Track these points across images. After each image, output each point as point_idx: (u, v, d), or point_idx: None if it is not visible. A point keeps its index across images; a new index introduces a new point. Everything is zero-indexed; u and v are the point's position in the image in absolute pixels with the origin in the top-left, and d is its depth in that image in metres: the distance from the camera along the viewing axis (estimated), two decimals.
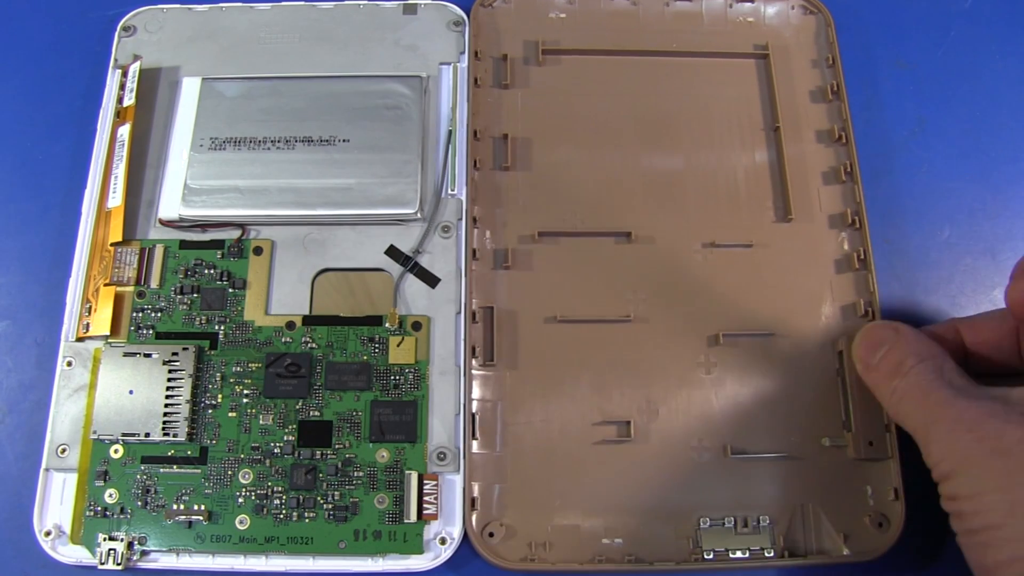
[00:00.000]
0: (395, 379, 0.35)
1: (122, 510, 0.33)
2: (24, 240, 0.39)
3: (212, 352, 0.35)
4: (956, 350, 0.32)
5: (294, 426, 0.34)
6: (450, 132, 0.39)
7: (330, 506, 0.33)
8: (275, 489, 0.34)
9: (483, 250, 0.37)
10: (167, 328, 0.36)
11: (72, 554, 0.33)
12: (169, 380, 0.34)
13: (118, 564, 0.32)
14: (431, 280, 0.37)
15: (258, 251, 0.37)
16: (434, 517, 0.33)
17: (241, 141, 0.38)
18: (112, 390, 0.34)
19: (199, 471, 0.34)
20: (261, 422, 0.34)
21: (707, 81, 0.41)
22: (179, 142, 0.38)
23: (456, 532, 0.33)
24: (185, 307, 0.36)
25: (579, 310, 0.36)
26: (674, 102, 0.40)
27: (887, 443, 0.34)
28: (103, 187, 0.38)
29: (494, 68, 0.41)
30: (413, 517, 0.33)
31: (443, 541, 0.33)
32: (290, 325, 0.36)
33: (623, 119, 0.40)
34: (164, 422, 0.34)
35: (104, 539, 0.33)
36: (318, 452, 0.34)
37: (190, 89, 0.39)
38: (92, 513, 0.33)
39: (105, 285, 0.36)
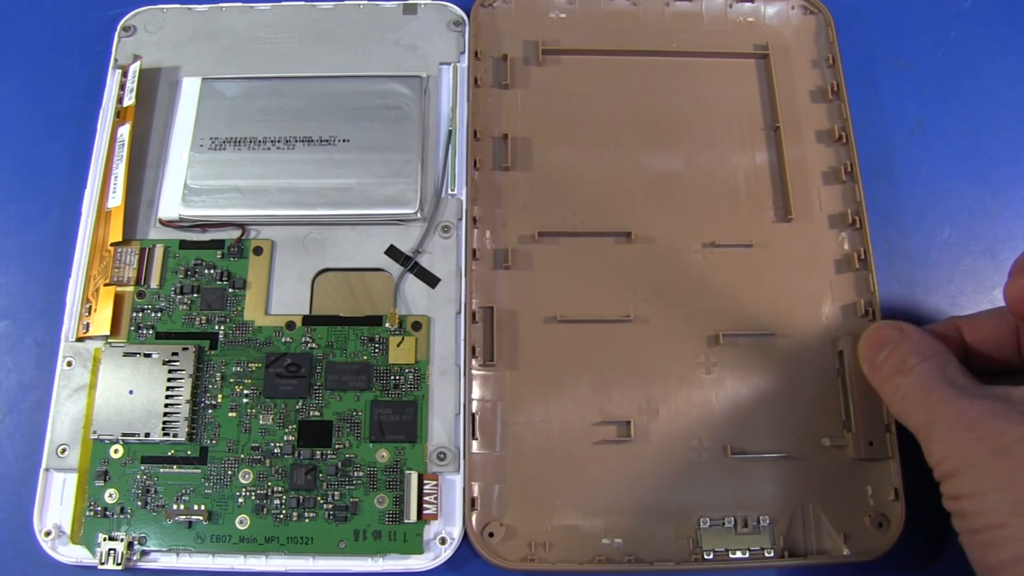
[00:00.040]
0: (395, 379, 0.35)
1: (122, 510, 0.33)
2: (24, 240, 0.39)
3: (212, 352, 0.35)
4: (956, 348, 0.32)
5: (294, 426, 0.34)
6: (450, 132, 0.39)
7: (330, 506, 0.33)
8: (275, 489, 0.34)
9: (483, 250, 0.37)
10: (167, 328, 0.36)
11: (72, 554, 0.33)
12: (169, 380, 0.34)
13: (118, 564, 0.32)
14: (431, 280, 0.37)
15: (258, 251, 0.37)
16: (434, 517, 0.33)
17: (241, 141, 0.38)
18: (112, 390, 0.34)
19: (199, 471, 0.34)
20: (261, 422, 0.34)
21: (707, 81, 0.41)
22: (179, 142, 0.38)
23: (456, 532, 0.33)
24: (185, 307, 0.36)
25: (579, 310, 0.36)
26: (674, 102, 0.40)
27: (887, 443, 0.34)
28: (103, 187, 0.38)
29: (494, 68, 0.41)
30: (413, 517, 0.33)
31: (443, 541, 0.33)
32: (290, 325, 0.36)
33: (623, 119, 0.40)
34: (164, 422, 0.34)
35: (104, 539, 0.33)
36: (318, 452, 0.34)
37: (190, 89, 0.39)
38: (92, 513, 0.33)
39: (105, 285, 0.36)
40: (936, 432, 0.29)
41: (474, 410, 0.35)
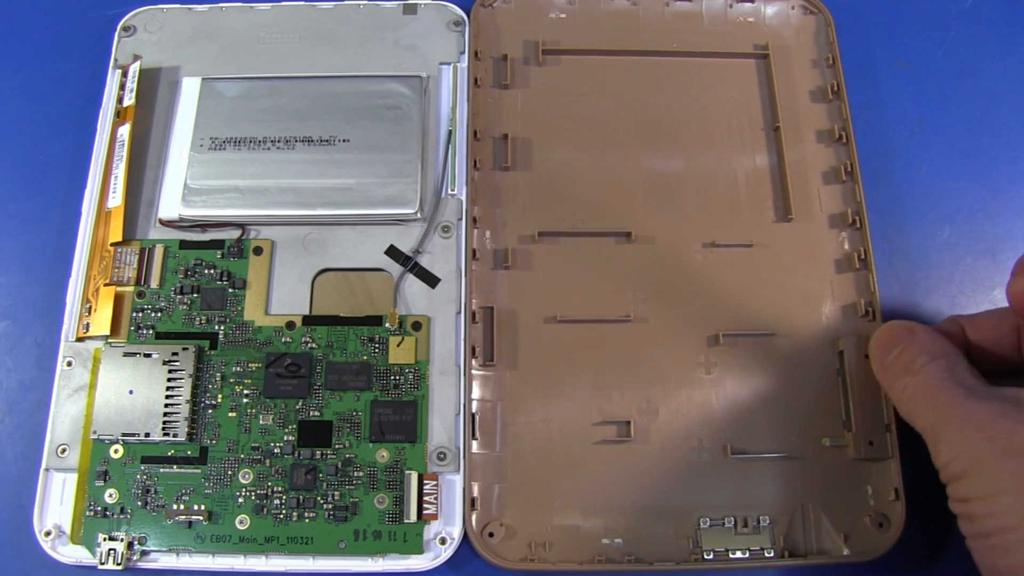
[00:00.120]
0: (395, 379, 0.35)
1: (122, 510, 0.33)
2: (24, 240, 0.39)
3: (212, 352, 0.35)
4: (959, 347, 0.32)
5: (294, 426, 0.34)
6: (450, 132, 0.39)
7: (330, 506, 0.33)
8: (275, 489, 0.34)
9: (483, 250, 0.37)
10: (167, 328, 0.36)
11: (72, 554, 0.33)
12: (169, 380, 0.34)
13: (118, 564, 0.32)
14: (431, 280, 0.37)
15: (258, 251, 0.37)
16: (434, 517, 0.33)
17: (241, 141, 0.38)
18: (112, 390, 0.34)
19: (199, 471, 0.34)
20: (261, 422, 0.34)
21: (707, 81, 0.41)
22: (179, 142, 0.38)
23: (456, 532, 0.33)
24: (185, 307, 0.36)
25: (579, 310, 0.36)
26: (674, 102, 0.40)
27: (887, 443, 0.34)
28: (103, 187, 0.38)
29: (494, 68, 0.41)
30: (413, 517, 0.33)
31: (443, 541, 0.33)
32: (290, 325, 0.36)
33: (623, 119, 0.40)
34: (164, 422, 0.34)
35: (104, 539, 0.33)
36: (318, 452, 0.34)
37: (190, 89, 0.39)
38: (92, 513, 0.33)
39: (105, 285, 0.36)
40: (944, 432, 0.28)
41: (474, 410, 0.35)
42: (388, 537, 0.33)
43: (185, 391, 0.34)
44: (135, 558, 0.33)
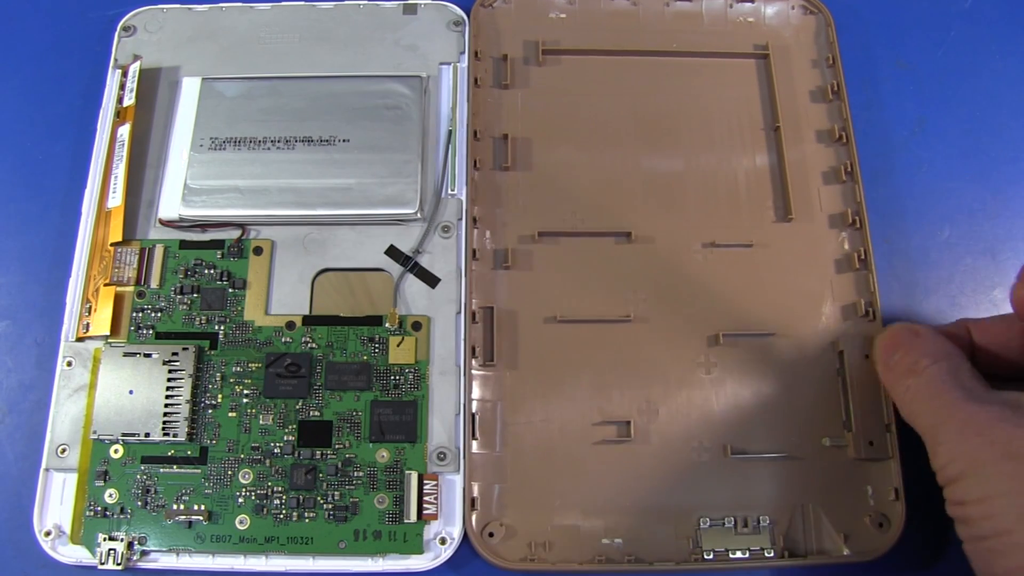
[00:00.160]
0: (395, 379, 0.35)
1: (122, 510, 0.33)
2: (24, 240, 0.39)
3: (212, 352, 0.35)
4: (964, 349, 0.32)
5: (294, 426, 0.34)
6: (450, 132, 0.39)
7: (330, 506, 0.33)
8: (275, 489, 0.34)
9: (483, 250, 0.37)
10: (167, 328, 0.36)
11: (72, 554, 0.33)
12: (169, 380, 0.34)
13: (118, 564, 0.32)
14: (431, 280, 0.37)
15: (258, 251, 0.37)
16: (434, 517, 0.33)
17: (241, 141, 0.38)
18: (112, 390, 0.34)
19: (199, 471, 0.34)
20: (261, 422, 0.34)
21: (707, 81, 0.41)
22: (179, 142, 0.38)
23: (456, 532, 0.33)
24: (185, 307, 0.36)
25: (579, 310, 0.36)
26: (674, 102, 0.40)
27: (887, 443, 0.34)
28: (103, 187, 0.38)
29: (494, 68, 0.41)
30: (413, 517, 0.33)
31: (443, 541, 0.33)
32: (290, 325, 0.36)
33: (623, 119, 0.40)
34: (164, 422, 0.34)
35: (104, 539, 0.33)
36: (318, 452, 0.34)
37: (190, 89, 0.39)
38: (92, 513, 0.33)
39: (105, 285, 0.36)
40: (944, 434, 0.28)
41: (474, 410, 0.35)
42: (388, 537, 0.33)
43: (185, 391, 0.34)
44: (135, 558, 0.33)
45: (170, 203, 0.37)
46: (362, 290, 0.37)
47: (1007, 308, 0.32)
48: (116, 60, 0.41)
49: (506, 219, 0.38)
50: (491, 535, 0.33)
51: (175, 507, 0.33)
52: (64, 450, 0.34)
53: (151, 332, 0.36)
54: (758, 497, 0.34)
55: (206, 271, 0.37)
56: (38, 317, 0.37)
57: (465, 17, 0.41)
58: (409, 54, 0.41)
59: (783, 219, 0.38)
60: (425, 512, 0.33)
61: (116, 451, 0.34)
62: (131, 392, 0.34)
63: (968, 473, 0.27)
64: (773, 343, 0.36)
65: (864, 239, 0.38)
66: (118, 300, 0.36)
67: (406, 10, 0.42)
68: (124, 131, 0.38)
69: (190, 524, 0.33)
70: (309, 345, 0.36)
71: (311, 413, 0.35)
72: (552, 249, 0.38)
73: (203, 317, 0.36)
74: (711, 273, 0.37)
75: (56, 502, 0.34)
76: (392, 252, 0.37)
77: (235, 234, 0.37)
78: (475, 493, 0.34)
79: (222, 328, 0.36)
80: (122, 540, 0.33)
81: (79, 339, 0.36)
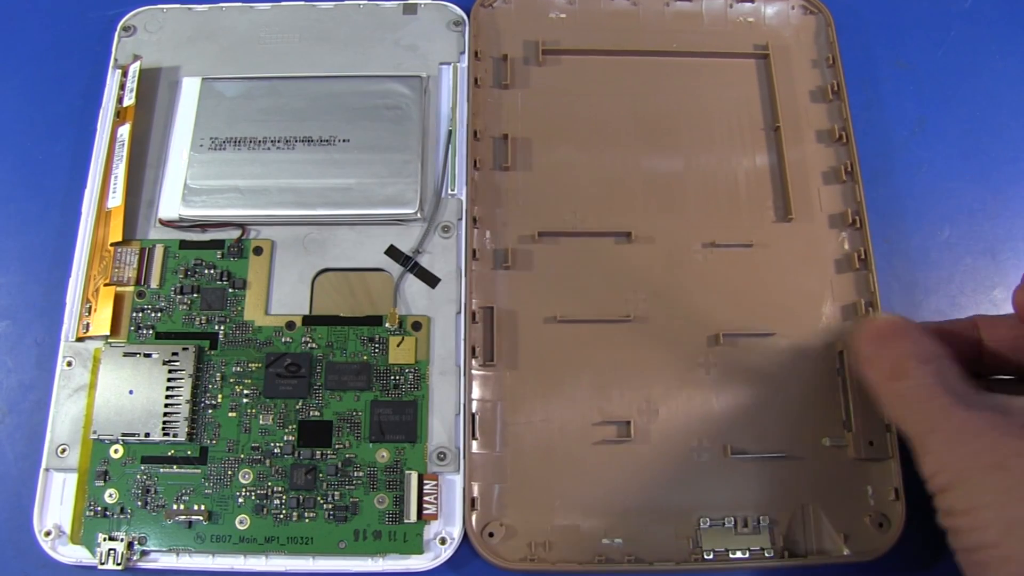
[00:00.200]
0: (395, 379, 0.35)
1: (122, 510, 0.33)
2: (24, 240, 0.39)
3: (212, 352, 0.35)
4: (973, 345, 0.32)
5: (294, 426, 0.34)
6: (450, 132, 0.39)
7: (330, 506, 0.33)
8: (275, 489, 0.34)
9: (483, 250, 0.37)
10: (167, 328, 0.36)
11: (72, 554, 0.33)
12: (169, 380, 0.34)
13: (118, 564, 0.32)
14: (431, 280, 0.37)
15: (258, 251, 0.37)
16: (434, 517, 0.33)
17: (241, 141, 0.38)
18: (112, 390, 0.34)
19: (199, 471, 0.34)
20: (261, 422, 0.34)
21: (707, 81, 0.41)
22: (179, 142, 0.38)
23: (456, 532, 0.33)
24: (185, 307, 0.36)
25: (579, 310, 0.36)
26: (674, 102, 0.40)
27: (887, 443, 0.34)
28: (103, 187, 0.38)
29: (494, 68, 0.41)
30: (413, 517, 0.33)
31: (443, 541, 0.33)
32: (290, 325, 0.36)
33: (623, 119, 0.40)
34: (164, 422, 0.34)
35: (104, 539, 0.33)
36: (318, 452, 0.34)
37: (190, 89, 0.39)
38: (92, 513, 0.33)
39: (105, 285, 0.36)
40: (932, 443, 0.28)
41: (474, 410, 0.35)
42: (388, 537, 0.33)
43: (185, 391, 0.34)
44: (135, 558, 0.33)
45: (170, 203, 0.37)
46: (362, 290, 0.37)
47: (1008, 308, 0.32)
48: (116, 60, 0.41)
49: (506, 219, 0.38)
50: (491, 535, 0.33)
51: (175, 507, 0.33)
52: (64, 450, 0.34)
53: (151, 332, 0.36)
54: (758, 497, 0.34)
55: (206, 271, 0.37)
56: (38, 317, 0.37)
57: (465, 17, 0.41)
58: (409, 54, 0.41)
59: (783, 219, 0.38)
60: (425, 512, 0.33)
61: (116, 451, 0.34)
62: (131, 392, 0.34)
63: (956, 483, 0.27)
64: (773, 343, 0.36)
65: (864, 239, 0.38)
66: (118, 300, 0.36)
67: (406, 10, 0.42)
68: (124, 131, 0.38)
69: (190, 524, 0.33)
70: (309, 345, 0.36)
71: (311, 413, 0.35)
72: (552, 249, 0.38)
73: (203, 317, 0.36)
74: (711, 273, 0.37)
75: (56, 502, 0.34)
76: (392, 252, 0.37)
77: (235, 234, 0.37)
78: (475, 493, 0.34)
79: (222, 328, 0.36)
80: (122, 540, 0.33)
81: (79, 339, 0.36)
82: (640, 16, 0.42)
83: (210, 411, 0.35)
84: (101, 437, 0.34)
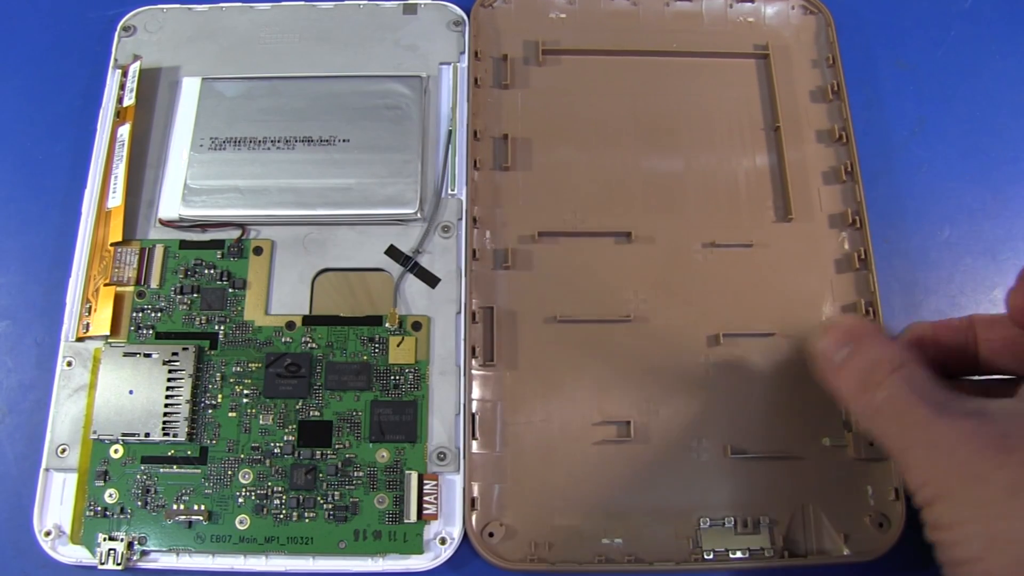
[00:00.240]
0: (395, 379, 0.35)
1: (122, 510, 0.33)
2: (24, 240, 0.39)
3: (212, 352, 0.35)
4: (969, 343, 0.31)
5: (294, 426, 0.34)
6: (450, 132, 0.39)
7: (330, 506, 0.33)
8: (275, 489, 0.34)
9: (483, 250, 0.37)
10: (167, 328, 0.36)
11: (72, 554, 0.33)
12: (169, 380, 0.34)
13: (118, 564, 0.32)
14: (431, 280, 0.37)
15: (258, 251, 0.37)
16: (434, 517, 0.33)
17: (241, 141, 0.38)
18: (112, 390, 0.34)
19: (199, 471, 0.34)
20: (261, 422, 0.34)
21: (707, 81, 0.41)
22: (179, 142, 0.38)
23: (456, 532, 0.33)
24: (185, 307, 0.36)
25: (579, 310, 0.36)
26: (674, 102, 0.40)
27: None
28: (103, 187, 0.38)
29: (494, 68, 0.41)
30: (413, 517, 0.33)
31: (443, 541, 0.33)
32: (290, 325, 0.36)
33: (623, 119, 0.40)
34: (164, 422, 0.34)
35: (104, 539, 0.33)
36: (318, 452, 0.34)
37: (190, 89, 0.39)
38: (92, 513, 0.33)
39: (105, 285, 0.36)
40: (912, 458, 0.27)
41: (474, 410, 0.35)
42: (388, 537, 0.33)
43: (185, 391, 0.34)
44: (135, 558, 0.33)
45: (170, 203, 0.37)
46: (362, 290, 0.37)
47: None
48: (116, 60, 0.41)
49: (506, 219, 0.38)
50: (491, 535, 0.33)
51: (175, 507, 0.33)
52: (64, 450, 0.34)
53: (151, 332, 0.36)
54: (758, 497, 0.34)
55: (206, 271, 0.37)
56: (38, 317, 0.37)
57: (465, 17, 0.41)
58: (409, 54, 0.41)
59: (783, 219, 0.38)
60: (425, 512, 0.33)
61: (116, 451, 0.34)
62: (131, 392, 0.34)
63: (941, 497, 0.26)
64: (773, 343, 0.36)
65: (864, 239, 0.38)
66: (118, 300, 0.36)
67: (406, 10, 0.42)
68: (124, 131, 0.38)
69: (190, 524, 0.33)
70: (309, 345, 0.36)
71: (311, 413, 0.35)
72: (552, 249, 0.38)
73: (203, 317, 0.36)
74: (711, 273, 0.37)
75: (56, 502, 0.34)
76: (392, 252, 0.37)
77: (235, 234, 0.37)
78: (475, 493, 0.34)
79: (222, 328, 0.36)
80: (122, 540, 0.33)
81: (79, 339, 0.36)
82: (640, 16, 0.42)
83: (210, 411, 0.35)
84: (101, 437, 0.34)
